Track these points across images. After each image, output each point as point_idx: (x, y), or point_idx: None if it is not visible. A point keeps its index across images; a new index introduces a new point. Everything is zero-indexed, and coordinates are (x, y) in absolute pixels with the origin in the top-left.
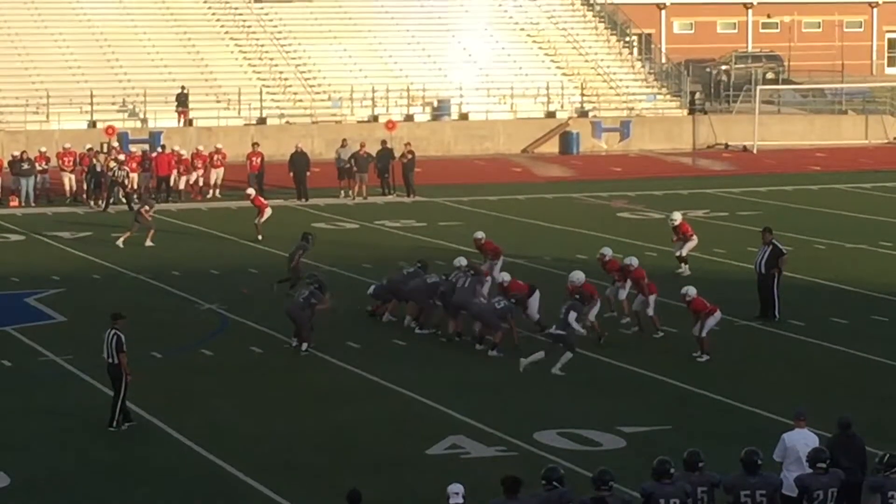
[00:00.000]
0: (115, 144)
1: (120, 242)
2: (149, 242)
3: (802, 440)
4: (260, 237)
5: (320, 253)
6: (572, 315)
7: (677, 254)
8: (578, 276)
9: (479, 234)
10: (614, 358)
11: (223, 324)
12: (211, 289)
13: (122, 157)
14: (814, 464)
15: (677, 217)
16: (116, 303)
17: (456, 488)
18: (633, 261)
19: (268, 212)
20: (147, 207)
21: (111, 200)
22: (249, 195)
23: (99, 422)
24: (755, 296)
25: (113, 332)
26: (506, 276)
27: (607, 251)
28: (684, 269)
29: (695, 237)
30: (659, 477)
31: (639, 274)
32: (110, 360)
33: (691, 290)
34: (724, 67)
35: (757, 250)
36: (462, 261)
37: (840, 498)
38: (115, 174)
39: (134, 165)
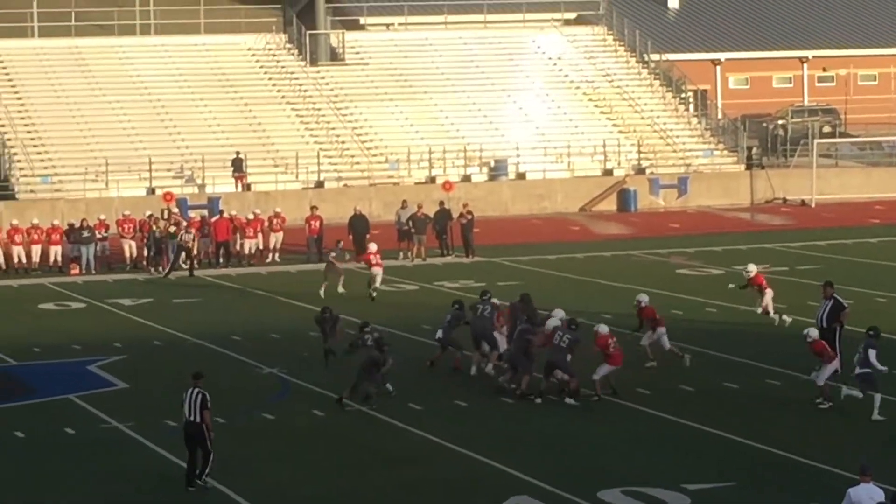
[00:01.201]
0: (175, 210)
1: (321, 292)
2: (340, 289)
3: (868, 494)
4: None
5: (380, 314)
6: (872, 353)
7: (759, 311)
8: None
9: (643, 297)
10: (674, 413)
11: (285, 387)
12: (272, 353)
13: (184, 222)
14: None
15: (752, 269)
16: (178, 369)
17: None
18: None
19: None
20: (333, 255)
21: (174, 266)
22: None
23: (161, 486)
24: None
25: (196, 390)
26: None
27: (643, 297)
28: (778, 318)
29: (769, 289)
30: None
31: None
32: (192, 419)
33: (812, 332)
34: (780, 122)
35: (818, 304)
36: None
37: None
38: (182, 238)
39: (194, 231)
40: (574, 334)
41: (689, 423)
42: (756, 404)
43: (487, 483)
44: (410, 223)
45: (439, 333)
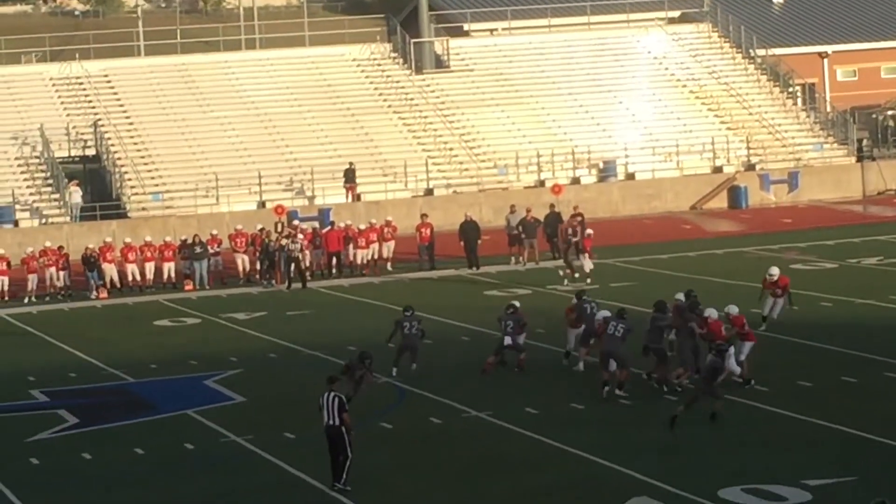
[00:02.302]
0: (296, 222)
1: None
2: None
3: None
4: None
5: (493, 321)
6: None
7: (765, 314)
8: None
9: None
10: (793, 409)
11: (401, 396)
12: (387, 362)
13: (300, 235)
14: None
15: (776, 272)
16: (294, 381)
17: None
18: (734, 309)
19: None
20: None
21: (291, 277)
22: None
23: (281, 499)
24: None
25: (333, 394)
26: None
27: (733, 309)
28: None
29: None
30: None
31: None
32: (331, 422)
33: None
34: (890, 112)
35: None
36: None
37: None
38: (289, 247)
39: (306, 243)
40: (627, 323)
41: (808, 418)
42: (875, 398)
43: (607, 485)
44: (521, 228)
45: (508, 340)
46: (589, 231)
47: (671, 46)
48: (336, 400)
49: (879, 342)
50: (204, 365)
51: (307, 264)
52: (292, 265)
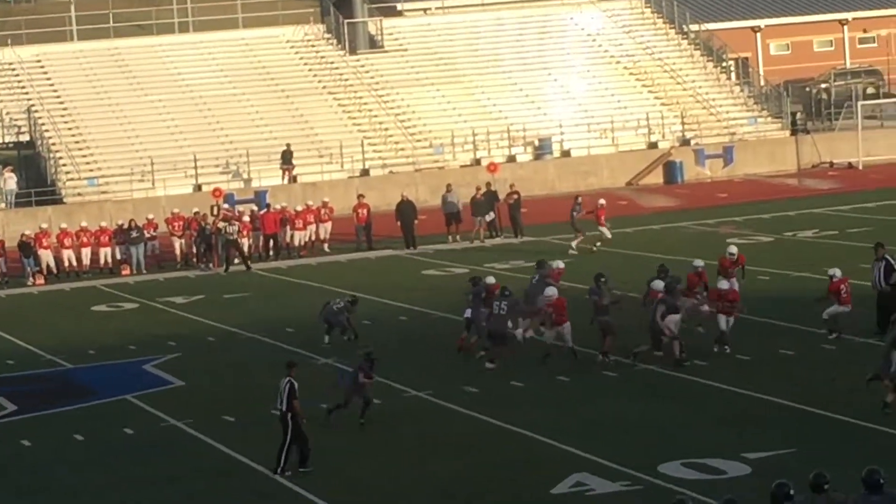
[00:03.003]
0: (226, 206)
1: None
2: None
3: None
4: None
5: (432, 300)
6: None
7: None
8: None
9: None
10: (732, 384)
11: (340, 377)
12: (326, 344)
13: (242, 217)
14: None
15: (735, 250)
16: (233, 364)
17: None
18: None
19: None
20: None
21: (227, 261)
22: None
23: (221, 482)
24: (873, 312)
25: (286, 380)
26: None
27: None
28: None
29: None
30: (778, 502)
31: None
32: (280, 408)
33: (837, 272)
34: (823, 86)
35: (869, 266)
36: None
37: None
38: (227, 230)
39: (247, 226)
40: (510, 301)
41: (746, 392)
42: (813, 370)
43: (549, 462)
44: (473, 206)
45: (467, 313)
46: (601, 201)
47: (605, 23)
48: (288, 385)
49: (816, 315)
50: (142, 350)
51: (246, 247)
52: (231, 249)
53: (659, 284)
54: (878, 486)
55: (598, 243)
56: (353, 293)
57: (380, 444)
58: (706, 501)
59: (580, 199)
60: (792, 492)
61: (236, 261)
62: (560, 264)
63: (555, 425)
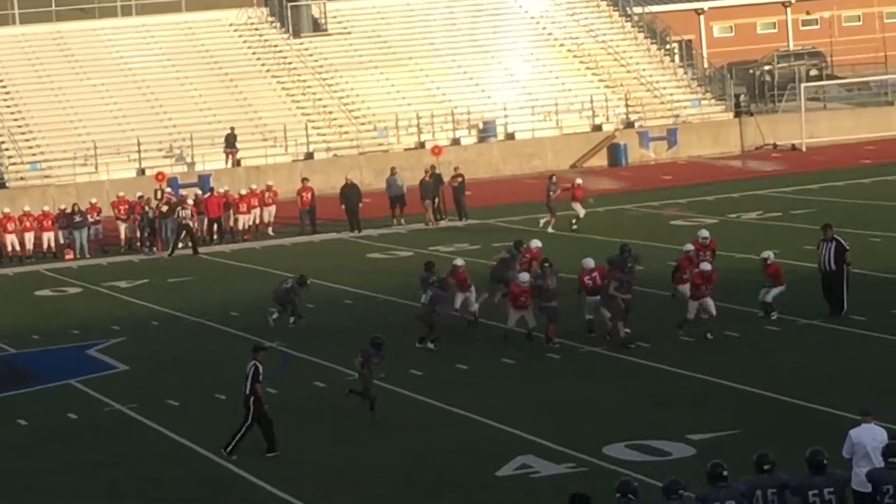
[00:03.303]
0: (168, 189)
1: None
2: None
3: (870, 436)
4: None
5: (377, 284)
6: None
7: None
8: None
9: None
10: (677, 366)
11: (286, 361)
12: (271, 327)
13: (186, 201)
14: (885, 458)
15: (707, 234)
16: (178, 348)
17: None
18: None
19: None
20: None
21: (176, 245)
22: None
23: (165, 466)
24: (816, 294)
25: (253, 363)
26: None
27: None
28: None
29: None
30: (713, 481)
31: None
32: (244, 391)
33: (771, 255)
34: (766, 68)
35: (813, 248)
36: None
37: None
38: (180, 215)
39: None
40: (434, 289)
41: (691, 373)
42: (757, 352)
43: (493, 445)
44: (422, 189)
45: (424, 299)
46: (578, 180)
47: (549, 6)
48: (252, 369)
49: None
50: (86, 334)
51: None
52: (183, 232)
53: (589, 262)
54: (821, 467)
55: (575, 223)
56: (301, 274)
57: (322, 427)
58: (651, 483)
59: (555, 178)
60: (726, 472)
61: (181, 245)
62: (537, 243)
63: (500, 408)
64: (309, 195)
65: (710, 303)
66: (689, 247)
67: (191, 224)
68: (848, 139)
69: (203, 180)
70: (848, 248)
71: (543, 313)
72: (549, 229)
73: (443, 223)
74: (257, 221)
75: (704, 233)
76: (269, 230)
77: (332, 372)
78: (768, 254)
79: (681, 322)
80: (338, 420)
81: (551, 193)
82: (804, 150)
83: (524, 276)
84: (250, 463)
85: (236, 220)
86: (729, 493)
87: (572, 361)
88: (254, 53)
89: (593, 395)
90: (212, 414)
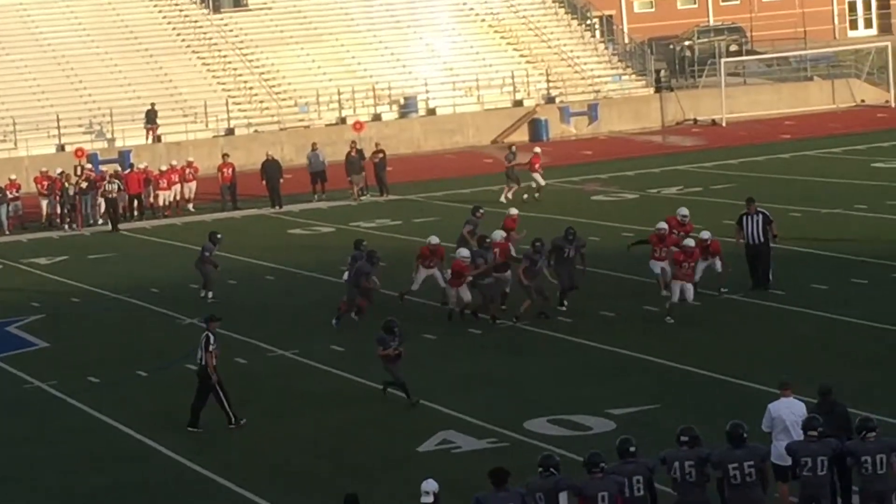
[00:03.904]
0: (88, 165)
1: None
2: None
3: (788, 409)
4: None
5: (298, 259)
6: None
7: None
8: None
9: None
10: (598, 341)
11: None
12: (191, 303)
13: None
14: (805, 431)
15: (686, 211)
16: (98, 324)
17: (427, 487)
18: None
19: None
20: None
21: (116, 219)
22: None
23: (85, 442)
24: (738, 268)
25: (205, 334)
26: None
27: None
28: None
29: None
30: (622, 456)
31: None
32: (201, 363)
33: (706, 233)
34: (686, 43)
35: (732, 222)
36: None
37: (832, 467)
38: (106, 189)
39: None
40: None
41: (611, 348)
42: (677, 325)
43: (414, 421)
44: (347, 165)
45: (345, 276)
46: (537, 149)
47: None
48: (204, 339)
49: None
50: (5, 311)
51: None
52: (110, 206)
53: (498, 234)
54: (741, 440)
55: (537, 193)
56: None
57: (242, 402)
58: (572, 457)
59: (514, 148)
60: (633, 448)
61: (101, 221)
62: (514, 211)
63: (421, 383)
64: (229, 171)
65: (689, 289)
66: (663, 225)
67: (117, 199)
68: (768, 114)
69: (123, 156)
70: (773, 219)
71: (479, 291)
72: (504, 197)
73: (364, 199)
74: (178, 197)
75: (684, 210)
76: (190, 206)
77: (253, 348)
78: (707, 234)
79: (668, 309)
80: (260, 396)
81: (507, 163)
82: (724, 125)
83: (464, 252)
84: (169, 437)
85: (157, 197)
86: (636, 468)
87: (494, 337)
88: (174, 29)
89: (515, 370)
90: (132, 391)
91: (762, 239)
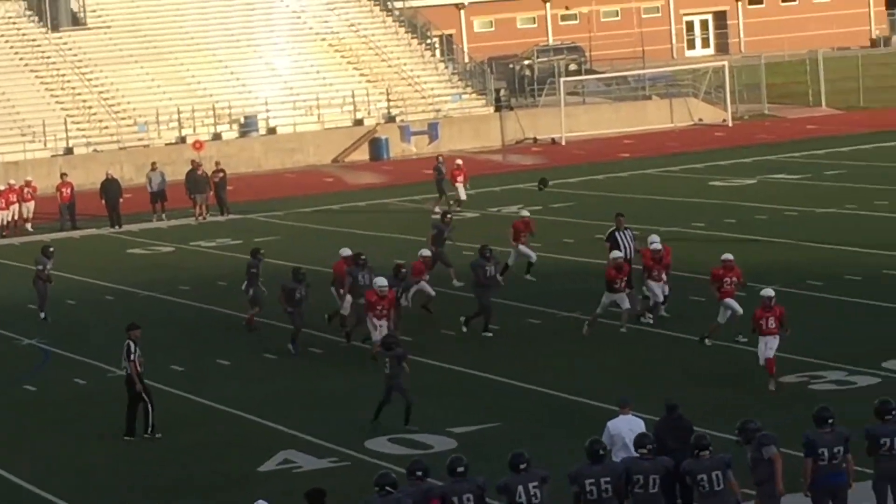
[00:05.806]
0: None
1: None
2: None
3: (627, 426)
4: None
5: (138, 279)
6: None
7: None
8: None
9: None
10: (438, 359)
11: (45, 357)
12: (30, 324)
13: None
14: (636, 448)
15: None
16: None
17: None
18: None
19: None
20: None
21: None
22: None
23: None
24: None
25: (126, 342)
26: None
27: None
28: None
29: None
30: (452, 475)
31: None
32: (126, 372)
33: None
34: (526, 62)
35: (571, 240)
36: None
37: (666, 484)
38: None
39: None
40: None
41: (452, 366)
42: (518, 344)
43: (255, 440)
44: (190, 184)
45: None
46: (458, 161)
47: (309, 0)
48: (125, 347)
49: (521, 288)
50: None
51: None
52: None
53: (346, 252)
54: (598, 456)
55: (458, 205)
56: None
57: (83, 424)
58: None
59: (441, 159)
60: (462, 468)
61: None
62: (525, 213)
63: (262, 403)
64: (68, 190)
65: (658, 288)
66: (618, 254)
67: None
68: (607, 133)
69: None
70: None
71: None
72: (436, 208)
73: (207, 218)
74: (16, 217)
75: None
76: (28, 226)
77: (92, 368)
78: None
79: (650, 308)
80: (98, 415)
81: (438, 175)
82: (564, 143)
83: (381, 282)
84: (3, 457)
85: (3, 218)
86: (468, 485)
87: (335, 355)
88: (11, 47)
89: (356, 389)
90: None
91: (633, 253)
